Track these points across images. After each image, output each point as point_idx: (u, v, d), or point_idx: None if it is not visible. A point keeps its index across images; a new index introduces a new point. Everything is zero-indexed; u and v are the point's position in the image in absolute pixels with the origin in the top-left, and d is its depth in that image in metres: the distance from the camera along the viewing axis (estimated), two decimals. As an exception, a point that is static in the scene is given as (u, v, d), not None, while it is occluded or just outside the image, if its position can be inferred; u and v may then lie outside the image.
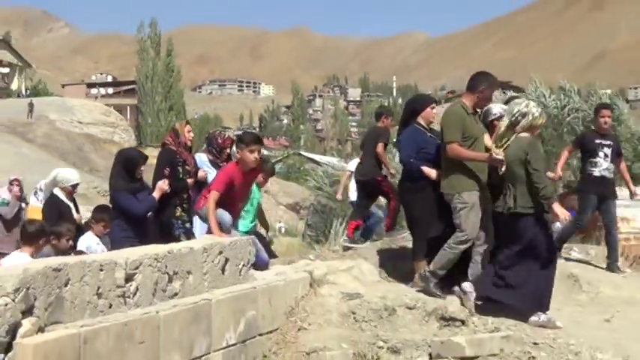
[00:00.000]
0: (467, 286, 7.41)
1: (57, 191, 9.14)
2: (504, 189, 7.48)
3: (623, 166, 10.17)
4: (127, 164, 8.33)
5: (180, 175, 8.76)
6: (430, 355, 6.20)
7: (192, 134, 9.18)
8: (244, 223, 8.78)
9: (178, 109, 75.65)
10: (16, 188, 10.90)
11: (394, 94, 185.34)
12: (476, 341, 6.22)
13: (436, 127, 8.39)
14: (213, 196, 7.16)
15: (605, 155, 9.78)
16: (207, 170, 9.09)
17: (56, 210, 8.94)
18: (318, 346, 6.30)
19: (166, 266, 5.84)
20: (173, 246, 6.28)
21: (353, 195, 11.87)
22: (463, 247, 7.51)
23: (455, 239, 7.49)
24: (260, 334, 6.38)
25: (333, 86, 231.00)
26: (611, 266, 9.97)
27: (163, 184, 8.38)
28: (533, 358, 6.27)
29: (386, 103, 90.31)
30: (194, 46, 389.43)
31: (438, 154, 7.90)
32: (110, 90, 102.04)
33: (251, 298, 6.38)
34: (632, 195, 9.97)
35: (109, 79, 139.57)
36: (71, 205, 9.22)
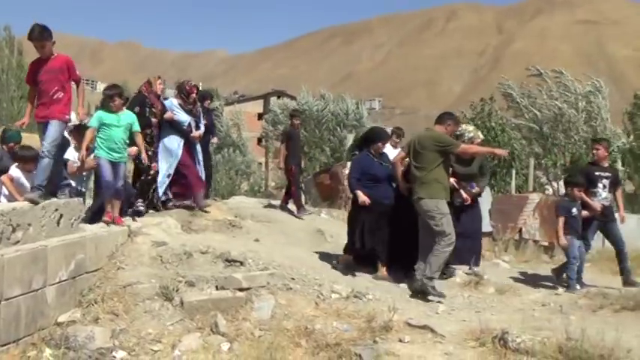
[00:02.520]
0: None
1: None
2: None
3: (618, 193, 8.80)
4: None
5: (147, 115, 8.69)
6: (216, 286, 6.22)
7: (162, 85, 9.22)
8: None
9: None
10: None
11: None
12: (249, 277, 6.29)
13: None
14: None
15: (604, 186, 8.53)
16: (177, 112, 9.19)
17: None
18: (132, 281, 6.15)
19: (10, 219, 5.54)
20: (17, 204, 5.95)
21: None
22: (450, 248, 7.06)
23: (443, 244, 6.99)
24: (87, 272, 6.14)
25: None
26: (627, 279, 8.31)
27: None
28: (290, 288, 6.40)
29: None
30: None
31: (383, 176, 7.78)
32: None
33: (80, 245, 6.12)
34: (621, 220, 8.57)
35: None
36: None
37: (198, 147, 9.64)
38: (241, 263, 6.81)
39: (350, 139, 17.72)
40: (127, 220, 7.58)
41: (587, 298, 6.99)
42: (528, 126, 25.52)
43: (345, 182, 15.64)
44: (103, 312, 5.73)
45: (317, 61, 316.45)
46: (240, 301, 6.00)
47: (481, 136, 8.37)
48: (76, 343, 5.21)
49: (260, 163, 46.14)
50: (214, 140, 11.48)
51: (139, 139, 7.54)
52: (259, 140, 48.01)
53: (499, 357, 4.95)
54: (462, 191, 7.99)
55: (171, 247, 6.93)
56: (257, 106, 62.42)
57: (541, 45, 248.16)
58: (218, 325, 5.54)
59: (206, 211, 9.21)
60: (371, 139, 8.10)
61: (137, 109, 8.36)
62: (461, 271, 8.15)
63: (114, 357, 5.15)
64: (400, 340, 5.34)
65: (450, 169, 7.65)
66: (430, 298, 6.91)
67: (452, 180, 7.72)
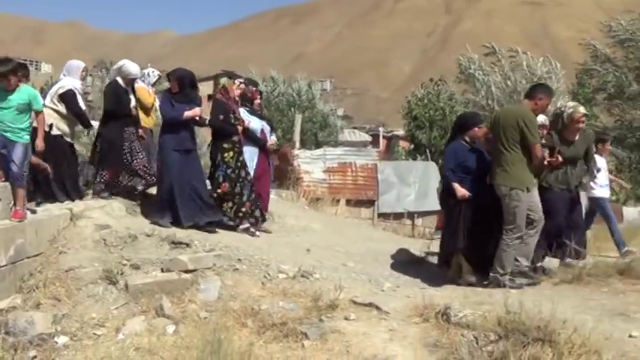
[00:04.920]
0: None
1: (119, 79, 8.14)
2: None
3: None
4: None
5: (232, 121, 8.15)
6: (162, 269, 6.17)
7: (239, 90, 8.55)
8: None
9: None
10: None
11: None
12: (195, 258, 6.25)
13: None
14: None
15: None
16: (247, 119, 8.57)
17: (115, 94, 8.06)
18: (75, 265, 6.05)
19: (-55, 205, 5.38)
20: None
21: None
22: (519, 241, 6.46)
23: (510, 236, 6.41)
24: (27, 257, 6.01)
25: (101, 68, 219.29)
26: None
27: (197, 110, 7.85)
28: (237, 269, 6.39)
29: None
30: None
31: (478, 166, 6.88)
32: None
33: (19, 230, 5.98)
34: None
35: None
36: (129, 89, 8.23)
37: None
38: (187, 245, 6.76)
39: (299, 119, 17.66)
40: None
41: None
42: (480, 104, 25.80)
43: (295, 162, 15.74)
44: (44, 297, 5.64)
45: (266, 41, 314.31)
46: (186, 283, 5.97)
47: (582, 111, 7.20)
48: (16, 329, 5.11)
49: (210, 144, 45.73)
50: None
51: (40, 118, 6.62)
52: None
53: (442, 332, 5.04)
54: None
55: (115, 230, 6.83)
56: (207, 87, 61.76)
57: (488, 25, 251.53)
58: (163, 308, 5.50)
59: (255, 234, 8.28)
60: (464, 125, 7.18)
61: (222, 117, 8.02)
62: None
63: (55, 342, 5.08)
64: (346, 318, 5.39)
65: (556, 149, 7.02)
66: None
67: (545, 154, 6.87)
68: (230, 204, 8.08)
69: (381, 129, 52.48)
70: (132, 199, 8.11)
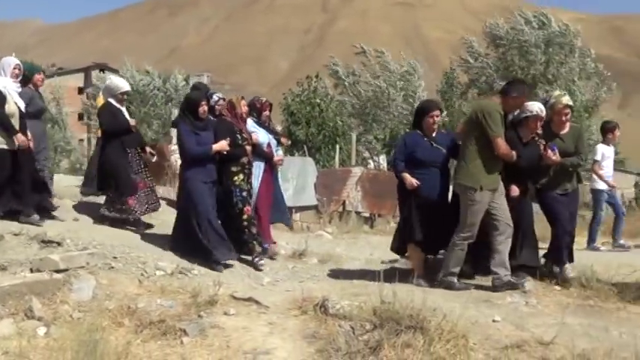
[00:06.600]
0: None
1: (110, 99, 8.05)
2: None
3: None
4: None
5: (239, 142, 7.35)
6: (31, 269, 5.89)
7: (246, 107, 7.76)
8: None
9: None
10: None
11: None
12: (67, 257, 5.99)
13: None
14: None
15: None
16: (255, 131, 7.77)
17: (109, 112, 7.98)
18: None
19: None
20: None
21: None
22: (467, 242, 6.17)
23: (457, 236, 6.15)
24: None
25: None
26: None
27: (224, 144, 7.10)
28: (113, 267, 6.21)
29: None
30: None
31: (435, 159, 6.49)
32: None
33: None
34: None
35: None
36: (123, 109, 8.14)
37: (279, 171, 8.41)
38: (59, 244, 6.50)
39: (176, 113, 17.35)
40: None
41: (401, 263, 7.47)
42: (351, 103, 26.55)
43: (171, 158, 15.41)
44: None
45: (142, 33, 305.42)
46: (58, 283, 5.72)
47: (564, 102, 6.69)
48: None
49: (81, 140, 43.94)
50: None
51: None
52: (80, 116, 45.63)
53: (320, 323, 5.17)
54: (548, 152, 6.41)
55: (-21, 230, 6.44)
56: (77, 80, 59.25)
57: (363, 25, 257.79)
58: (33, 310, 5.25)
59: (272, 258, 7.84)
60: (417, 114, 6.80)
61: (228, 139, 7.19)
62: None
63: None
64: (225, 313, 5.40)
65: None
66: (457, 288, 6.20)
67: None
68: (255, 229, 7.36)
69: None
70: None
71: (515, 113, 6.30)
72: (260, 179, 7.76)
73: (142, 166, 8.11)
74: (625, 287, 6.19)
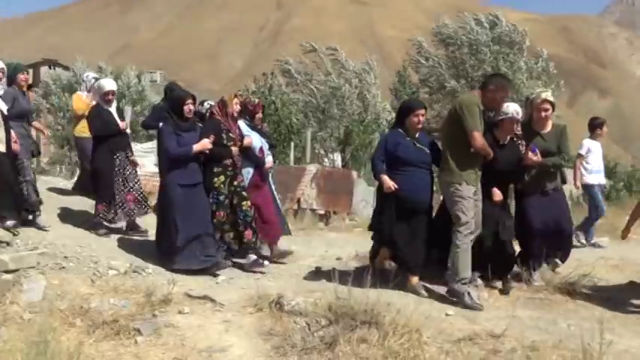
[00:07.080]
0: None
1: (99, 101, 7.89)
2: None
3: None
4: None
5: (224, 142, 6.97)
6: (-20, 270, 5.74)
7: (238, 106, 7.47)
8: None
9: None
10: None
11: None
12: (17, 258, 5.86)
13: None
14: None
15: None
16: (248, 134, 7.41)
17: (97, 116, 7.72)
18: None
19: None
20: None
21: None
22: (470, 239, 5.84)
23: (457, 236, 5.78)
24: None
25: None
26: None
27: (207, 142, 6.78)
28: (64, 267, 6.11)
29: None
30: None
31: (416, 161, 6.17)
32: None
33: None
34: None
35: None
36: (112, 109, 7.84)
37: (270, 177, 7.95)
38: (8, 244, 6.35)
39: (129, 112, 17.06)
40: None
41: (356, 260, 7.53)
42: (305, 100, 26.58)
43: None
44: None
45: (92, 29, 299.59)
46: (7, 284, 5.60)
47: (543, 96, 6.53)
48: None
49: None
50: None
51: None
52: (29, 113, 44.53)
53: (275, 320, 5.19)
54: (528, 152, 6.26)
55: None
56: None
57: (318, 22, 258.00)
58: (-19, 312, 5.14)
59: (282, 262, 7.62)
60: (399, 113, 6.51)
61: (212, 137, 6.82)
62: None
63: None
64: (180, 312, 5.38)
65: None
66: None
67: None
68: (232, 234, 6.98)
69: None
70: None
71: (492, 115, 6.15)
72: (248, 185, 7.29)
73: (132, 171, 7.80)
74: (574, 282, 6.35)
